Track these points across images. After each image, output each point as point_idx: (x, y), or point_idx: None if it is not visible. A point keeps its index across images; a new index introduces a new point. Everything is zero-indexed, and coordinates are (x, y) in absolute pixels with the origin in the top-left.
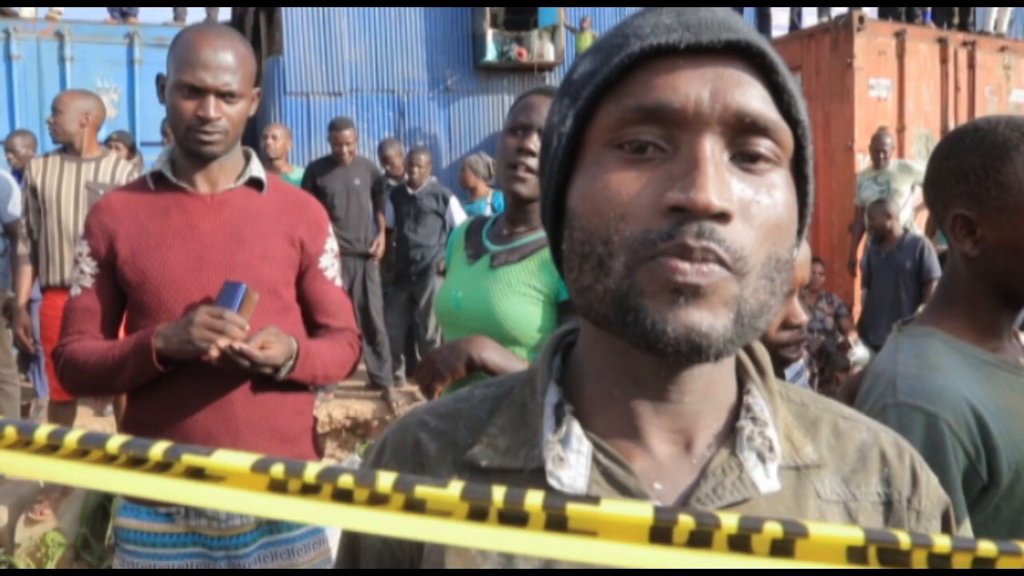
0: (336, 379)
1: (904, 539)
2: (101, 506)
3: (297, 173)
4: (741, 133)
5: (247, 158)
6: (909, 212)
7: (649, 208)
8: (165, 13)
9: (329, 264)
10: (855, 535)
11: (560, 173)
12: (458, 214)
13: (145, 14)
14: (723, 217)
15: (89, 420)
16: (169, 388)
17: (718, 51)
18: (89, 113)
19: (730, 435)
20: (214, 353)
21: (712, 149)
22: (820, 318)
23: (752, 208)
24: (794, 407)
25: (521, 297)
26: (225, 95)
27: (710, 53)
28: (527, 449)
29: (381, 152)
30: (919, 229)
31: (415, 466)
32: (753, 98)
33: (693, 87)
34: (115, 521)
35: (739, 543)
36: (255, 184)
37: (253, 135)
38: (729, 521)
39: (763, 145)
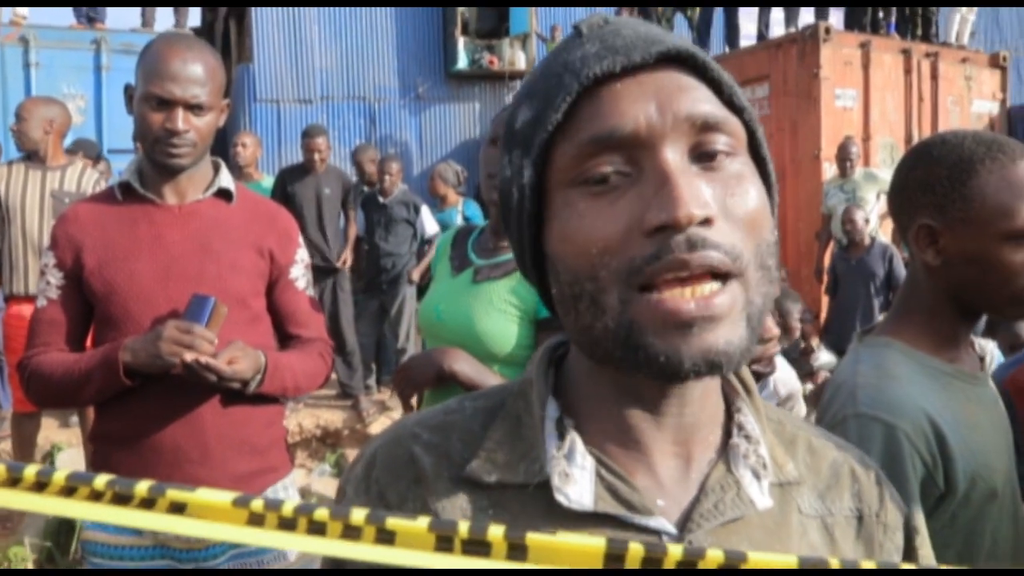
0: (307, 390)
1: (834, 561)
2: (66, 519)
3: (268, 181)
4: (696, 136)
5: (216, 169)
6: (875, 220)
7: (629, 235)
8: (133, 19)
9: (300, 274)
10: (790, 560)
11: (531, 225)
12: (429, 223)
13: (113, 19)
14: (707, 222)
15: (54, 432)
16: (137, 401)
17: (651, 65)
18: (54, 120)
19: (724, 451)
20: (177, 361)
21: (675, 159)
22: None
23: (728, 204)
24: (773, 425)
25: (501, 314)
26: (194, 107)
27: (645, 69)
28: (526, 463)
29: (355, 158)
30: (885, 237)
31: (410, 481)
32: (698, 100)
33: (639, 106)
34: (82, 534)
35: (687, 567)
36: (224, 195)
37: (223, 143)
38: (675, 550)
39: (720, 141)
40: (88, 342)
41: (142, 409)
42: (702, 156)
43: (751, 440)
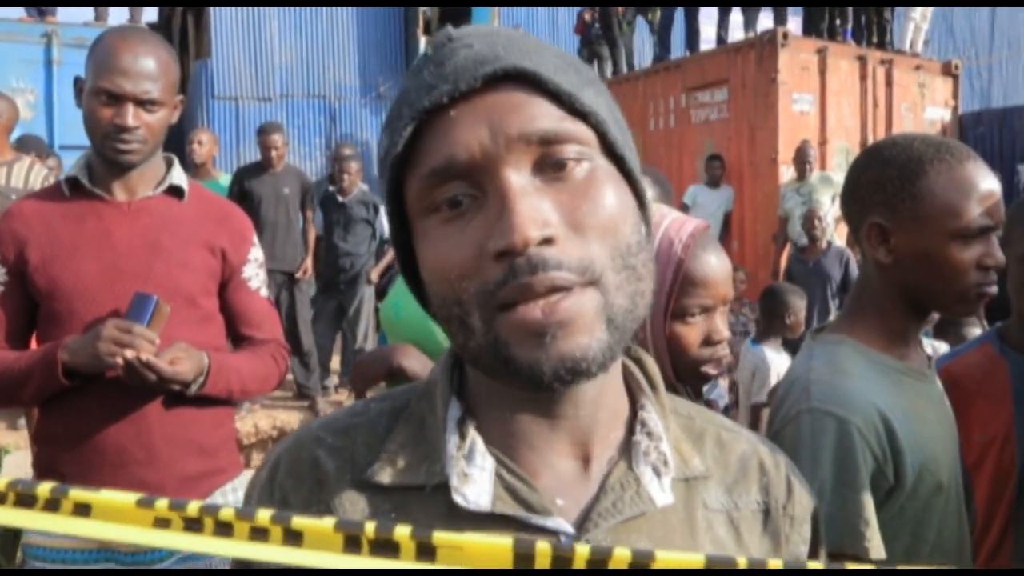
0: (257, 393)
1: (742, 561)
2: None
3: (225, 179)
4: (539, 151)
5: (169, 165)
6: (831, 223)
7: (480, 259)
8: (85, 13)
9: (253, 274)
10: (697, 559)
11: (402, 249)
12: (388, 222)
13: (64, 13)
14: (548, 241)
15: (2, 434)
16: (80, 401)
17: (483, 88)
18: (0, 115)
19: (626, 449)
20: (118, 361)
21: (517, 179)
22: (743, 322)
23: (578, 215)
24: (682, 420)
25: None
26: (145, 103)
27: (477, 93)
28: (428, 464)
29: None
30: (840, 240)
31: (313, 484)
32: (532, 117)
33: (471, 133)
34: (24, 539)
35: (596, 567)
36: (175, 192)
37: (179, 140)
38: (583, 550)
39: (567, 151)
40: (34, 340)
41: (85, 409)
42: (548, 167)
43: (653, 437)
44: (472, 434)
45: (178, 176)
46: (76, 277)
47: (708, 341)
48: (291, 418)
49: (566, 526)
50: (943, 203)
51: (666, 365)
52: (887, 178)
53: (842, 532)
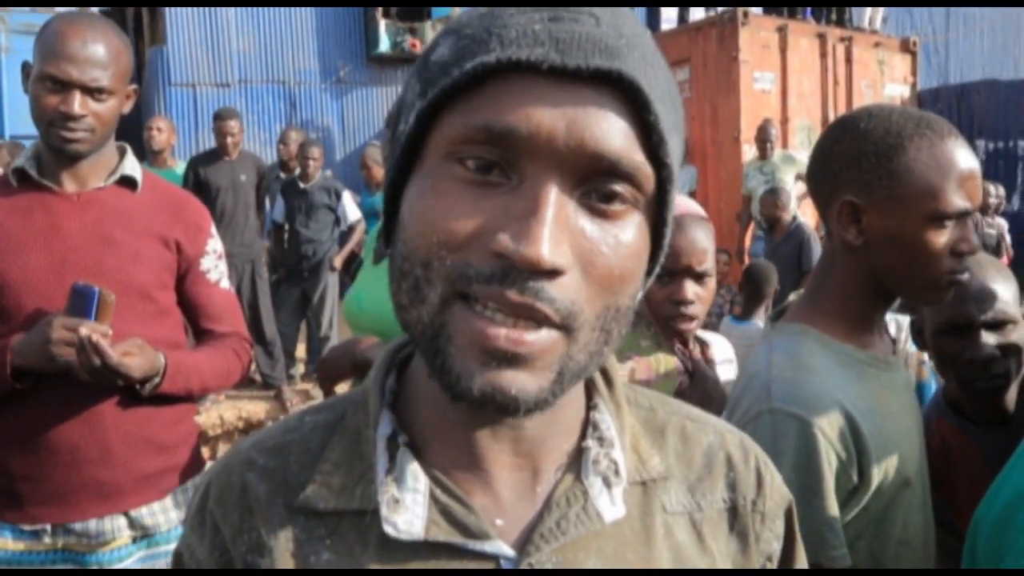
0: (217, 389)
1: None
2: None
3: (181, 167)
4: (597, 174)
5: (121, 155)
6: (794, 202)
7: (475, 242)
8: None
9: (211, 266)
10: None
11: (398, 170)
12: (351, 209)
13: None
14: (554, 273)
15: None
16: (32, 400)
17: (587, 76)
18: None
19: (576, 457)
20: (65, 353)
21: (556, 192)
22: (719, 304)
23: (593, 256)
24: (643, 413)
25: None
26: (93, 91)
27: (578, 77)
28: (363, 486)
29: (282, 140)
30: (804, 218)
31: (243, 513)
32: (615, 137)
33: (549, 117)
34: None
35: None
36: (128, 183)
37: (136, 128)
38: None
39: (620, 190)
40: None
41: (37, 408)
42: (595, 194)
43: (604, 442)
44: (402, 453)
45: (131, 166)
46: (24, 272)
47: (672, 300)
48: (257, 408)
49: (506, 549)
50: (923, 183)
51: (657, 326)
52: (862, 153)
53: (807, 541)
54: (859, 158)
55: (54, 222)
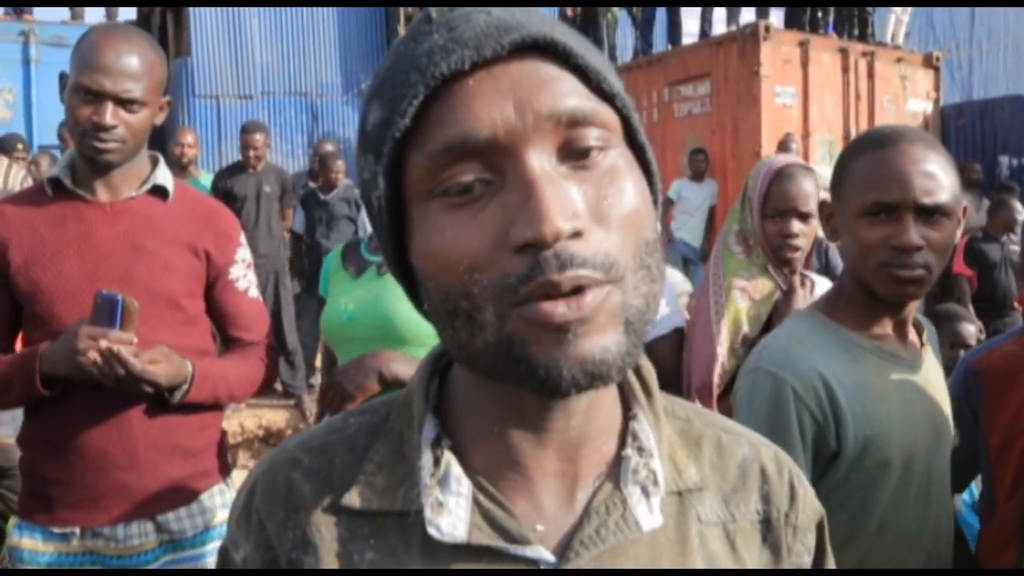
0: (244, 397)
1: None
2: None
3: (206, 178)
4: (564, 133)
5: (154, 164)
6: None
7: (497, 251)
8: (62, 11)
9: (240, 275)
10: None
11: (392, 237)
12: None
13: (41, 12)
14: (577, 234)
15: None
16: (63, 405)
17: (506, 57)
18: None
19: (615, 465)
20: (91, 359)
21: (541, 164)
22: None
23: (603, 207)
24: (679, 424)
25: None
26: (125, 102)
27: (499, 62)
28: (406, 488)
29: (316, 152)
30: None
31: (288, 511)
32: (562, 93)
33: (494, 107)
34: (9, 540)
35: None
36: (159, 192)
37: (161, 139)
38: None
39: (591, 136)
40: (20, 342)
41: (67, 413)
42: (572, 154)
43: (643, 452)
44: (447, 457)
45: (163, 176)
46: (58, 279)
47: (781, 234)
48: (277, 417)
49: (546, 555)
50: (857, 179)
51: (769, 255)
52: (839, 164)
53: None
54: (836, 168)
55: (87, 230)
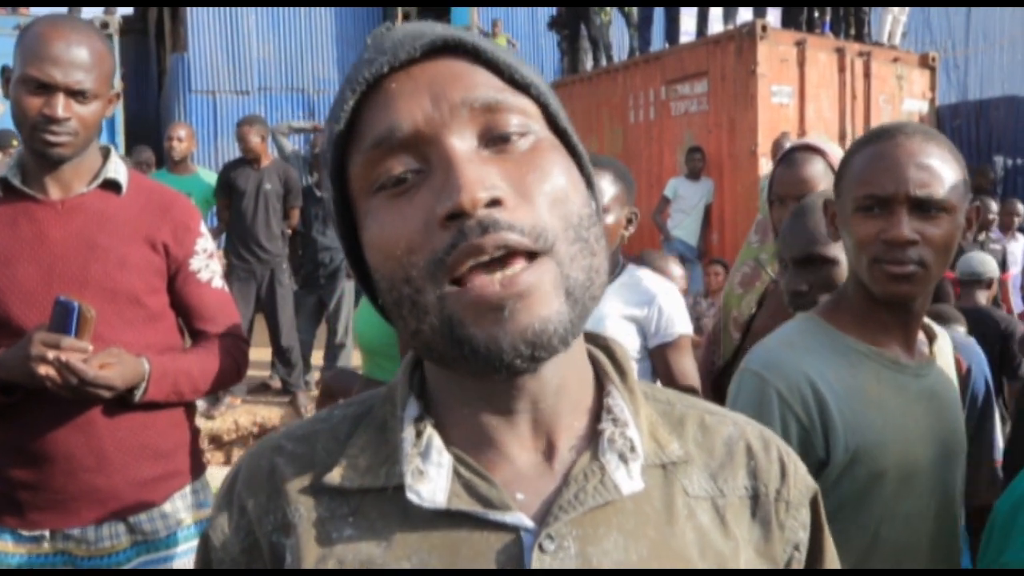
0: (212, 391)
1: None
2: None
3: (202, 173)
4: (482, 120)
5: (105, 157)
6: None
7: (427, 230)
8: (58, 8)
9: (202, 266)
10: None
11: (346, 237)
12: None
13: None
14: (496, 203)
15: None
16: (27, 409)
17: (422, 60)
18: None
19: (592, 438)
20: (43, 371)
21: (462, 146)
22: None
23: (526, 183)
24: (660, 406)
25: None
26: (76, 94)
27: (415, 64)
28: (388, 466)
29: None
30: None
31: (270, 494)
32: (474, 85)
33: (413, 101)
34: None
35: None
36: (112, 186)
37: (157, 134)
38: None
39: (510, 123)
40: None
41: (33, 417)
42: (495, 140)
43: (618, 423)
44: (428, 431)
45: (114, 169)
46: (12, 283)
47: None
48: (272, 414)
49: (525, 521)
50: (854, 174)
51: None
52: (842, 163)
53: None
54: (839, 168)
55: (39, 231)
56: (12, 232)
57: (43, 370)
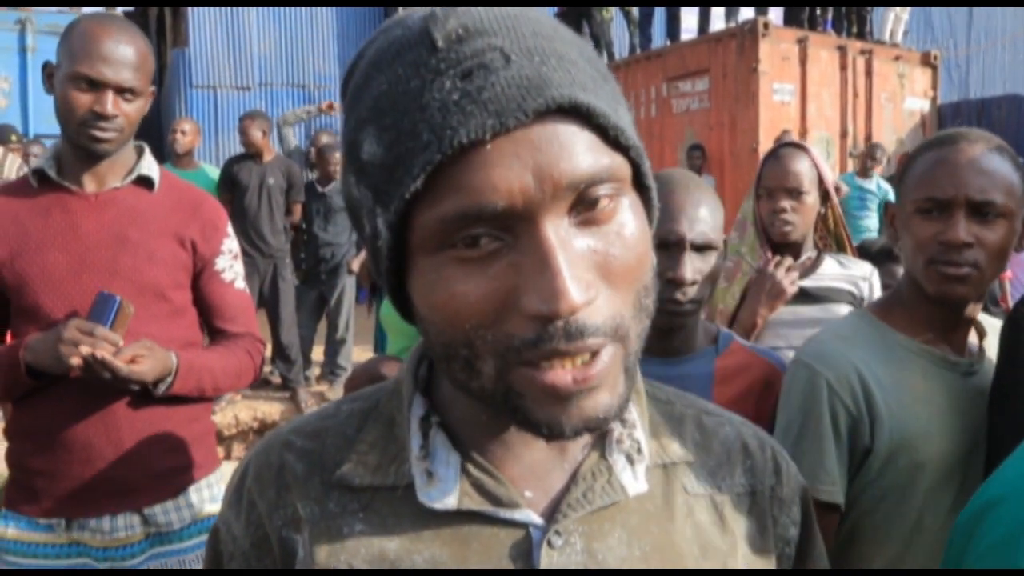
0: (229, 390)
1: None
2: None
3: (211, 169)
4: (579, 194)
5: (139, 154)
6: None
7: (506, 311)
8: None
9: (227, 266)
10: None
11: (392, 274)
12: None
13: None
14: (586, 304)
15: None
16: (49, 398)
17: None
18: None
19: (600, 438)
20: (75, 362)
21: (556, 232)
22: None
23: (609, 263)
24: (660, 405)
25: None
26: (124, 91)
27: (520, 128)
28: (397, 465)
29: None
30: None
31: (280, 490)
32: (581, 159)
33: (512, 174)
34: None
35: None
36: (145, 182)
37: (159, 130)
38: None
39: (601, 190)
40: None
41: (53, 406)
42: (583, 205)
43: (626, 424)
44: (435, 431)
45: (147, 166)
46: (43, 272)
47: (773, 211)
48: (272, 409)
49: (535, 518)
50: (916, 176)
51: (761, 234)
52: (905, 166)
53: (802, 474)
54: (902, 170)
55: (72, 222)
56: (44, 221)
57: (74, 359)
